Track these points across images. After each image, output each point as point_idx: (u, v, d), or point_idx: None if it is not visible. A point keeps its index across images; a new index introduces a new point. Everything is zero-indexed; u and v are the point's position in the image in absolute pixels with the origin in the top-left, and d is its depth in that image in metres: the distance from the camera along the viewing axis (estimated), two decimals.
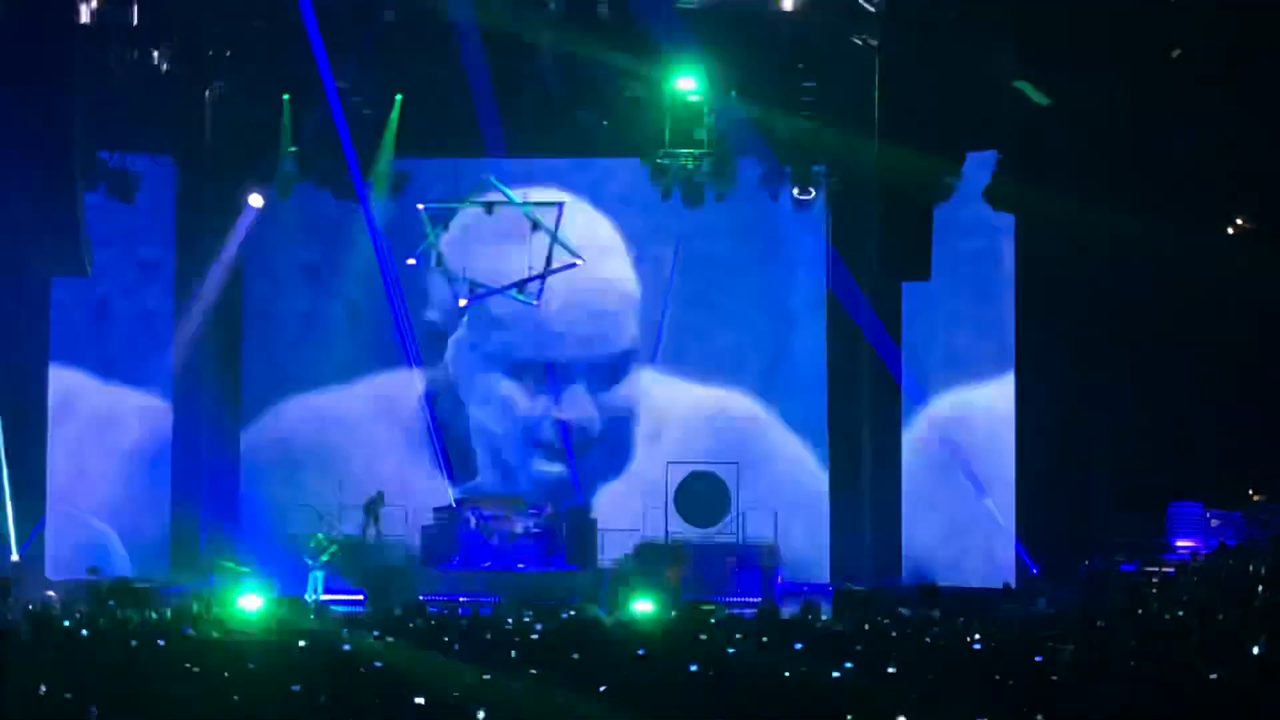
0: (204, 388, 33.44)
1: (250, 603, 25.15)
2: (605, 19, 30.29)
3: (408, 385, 34.77)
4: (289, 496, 33.12)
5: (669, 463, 33.23)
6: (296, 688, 14.65)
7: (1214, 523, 28.31)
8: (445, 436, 34.67)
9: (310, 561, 30.18)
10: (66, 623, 21.15)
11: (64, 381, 32.49)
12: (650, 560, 30.92)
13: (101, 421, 32.79)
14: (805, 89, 31.16)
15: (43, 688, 14.42)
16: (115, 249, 32.14)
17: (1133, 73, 27.71)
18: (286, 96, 31.70)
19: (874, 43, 29.38)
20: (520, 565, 31.65)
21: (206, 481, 33.28)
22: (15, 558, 29.96)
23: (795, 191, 32.64)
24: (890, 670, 16.19)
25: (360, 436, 34.64)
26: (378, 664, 16.71)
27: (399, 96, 32.08)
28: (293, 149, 32.27)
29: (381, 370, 34.79)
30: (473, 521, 32.20)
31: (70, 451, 32.37)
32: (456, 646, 18.57)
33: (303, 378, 34.41)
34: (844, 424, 33.19)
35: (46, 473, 31.74)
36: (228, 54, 31.34)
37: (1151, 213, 27.77)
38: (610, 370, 34.86)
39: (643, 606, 25.61)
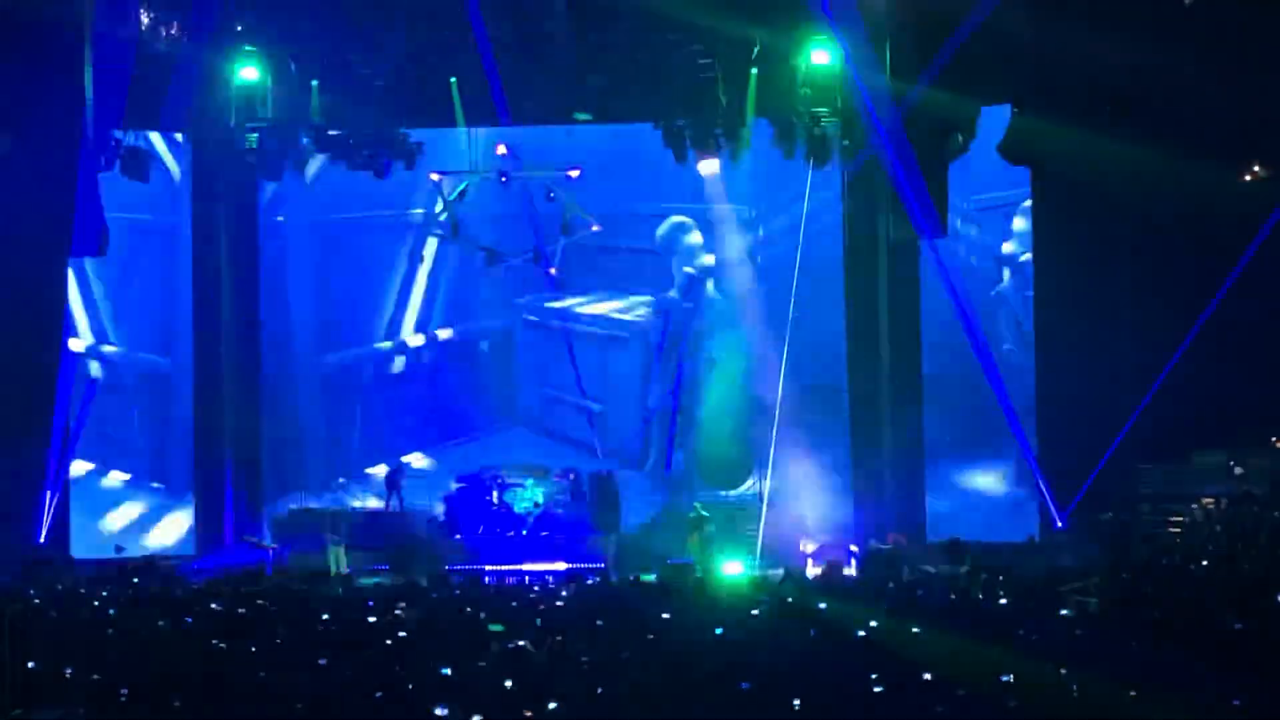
0: (224, 366, 33.43)
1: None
2: None
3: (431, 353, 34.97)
4: (310, 469, 33.19)
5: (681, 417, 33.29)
6: (323, 661, 14.71)
7: (1238, 470, 28.24)
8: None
9: (330, 536, 30.19)
10: (94, 603, 21.25)
11: (83, 362, 32.59)
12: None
13: (120, 401, 32.88)
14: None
15: (68, 670, 14.48)
16: (131, 227, 32.17)
17: (1149, 21, 27.63)
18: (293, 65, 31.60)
19: None
20: (544, 533, 31.66)
21: (229, 459, 33.28)
22: (42, 539, 30.06)
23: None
24: (915, 629, 16.18)
25: (383, 409, 34.73)
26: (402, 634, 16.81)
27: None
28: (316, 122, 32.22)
29: (401, 348, 34.94)
30: (496, 490, 32.21)
31: (90, 431, 32.41)
32: (483, 615, 18.59)
33: (323, 349, 34.50)
34: (864, 385, 33.08)
35: (69, 453, 31.76)
36: (239, 29, 31.22)
37: (1168, 160, 27.71)
38: None
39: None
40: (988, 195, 32.09)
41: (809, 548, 29.62)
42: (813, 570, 28.25)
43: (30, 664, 14.78)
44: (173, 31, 30.81)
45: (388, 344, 35.51)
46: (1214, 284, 27.96)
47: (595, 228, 33.90)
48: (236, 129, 31.59)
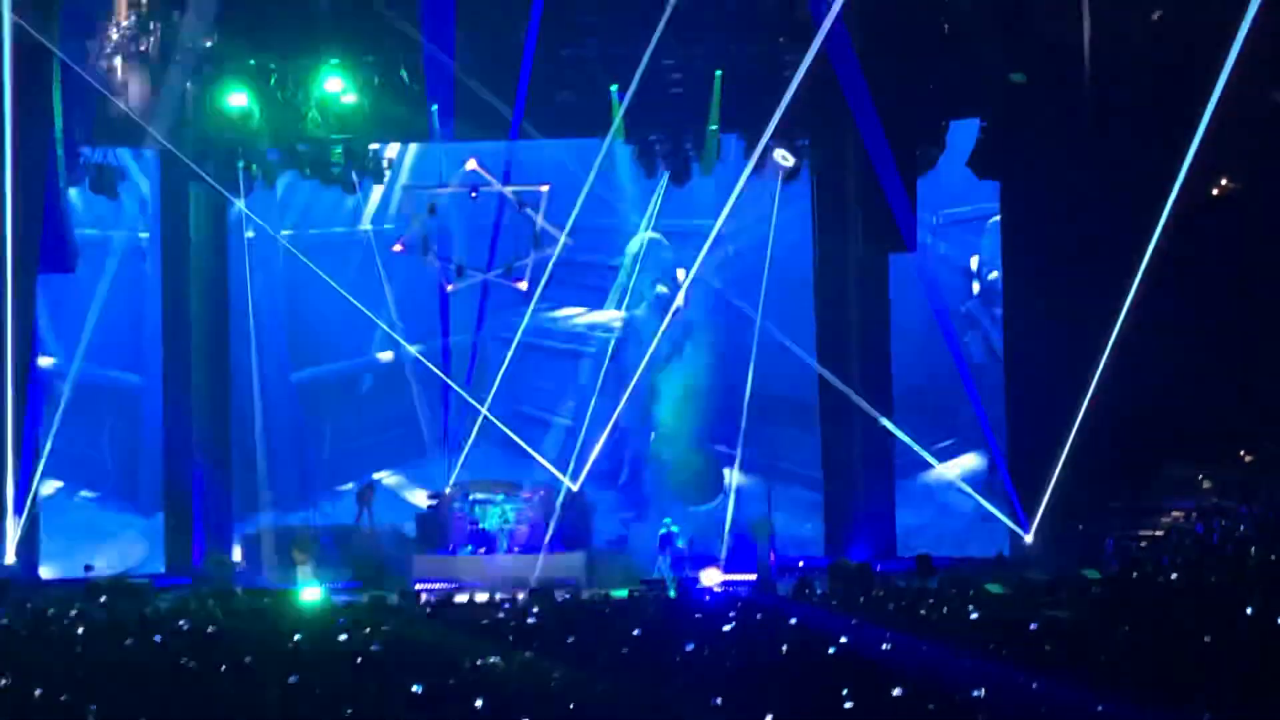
0: (193, 380, 33.32)
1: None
2: None
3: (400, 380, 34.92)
4: (280, 488, 33.07)
5: (653, 434, 33.26)
6: (293, 679, 14.66)
7: (1206, 484, 28.35)
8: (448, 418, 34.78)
9: (300, 554, 30.15)
10: (65, 621, 21.16)
11: (53, 378, 32.46)
12: None
13: (90, 419, 32.75)
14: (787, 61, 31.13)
15: (38, 691, 14.41)
16: (100, 244, 32.08)
17: (1114, 35, 27.76)
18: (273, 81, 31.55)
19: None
20: (515, 549, 31.63)
21: (198, 476, 33.16)
22: (11, 559, 29.92)
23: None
24: (885, 645, 16.20)
25: (353, 425, 34.68)
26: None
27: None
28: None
29: (373, 362, 34.88)
30: (466, 507, 32.18)
31: (59, 450, 32.27)
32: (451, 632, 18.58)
33: (293, 366, 34.42)
34: (834, 399, 33.12)
35: (36, 472, 31.63)
36: (208, 45, 31.17)
37: (1136, 175, 27.84)
38: None
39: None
40: (956, 210, 32.14)
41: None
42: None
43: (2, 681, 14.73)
44: (143, 49, 30.76)
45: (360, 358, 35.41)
46: (1183, 299, 28.07)
47: (566, 242, 33.87)
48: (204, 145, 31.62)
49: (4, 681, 14.76)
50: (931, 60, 28.61)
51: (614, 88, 31.62)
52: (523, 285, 34.00)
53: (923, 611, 20.12)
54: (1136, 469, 28.44)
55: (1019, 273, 30.44)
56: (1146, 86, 27.66)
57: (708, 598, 22.82)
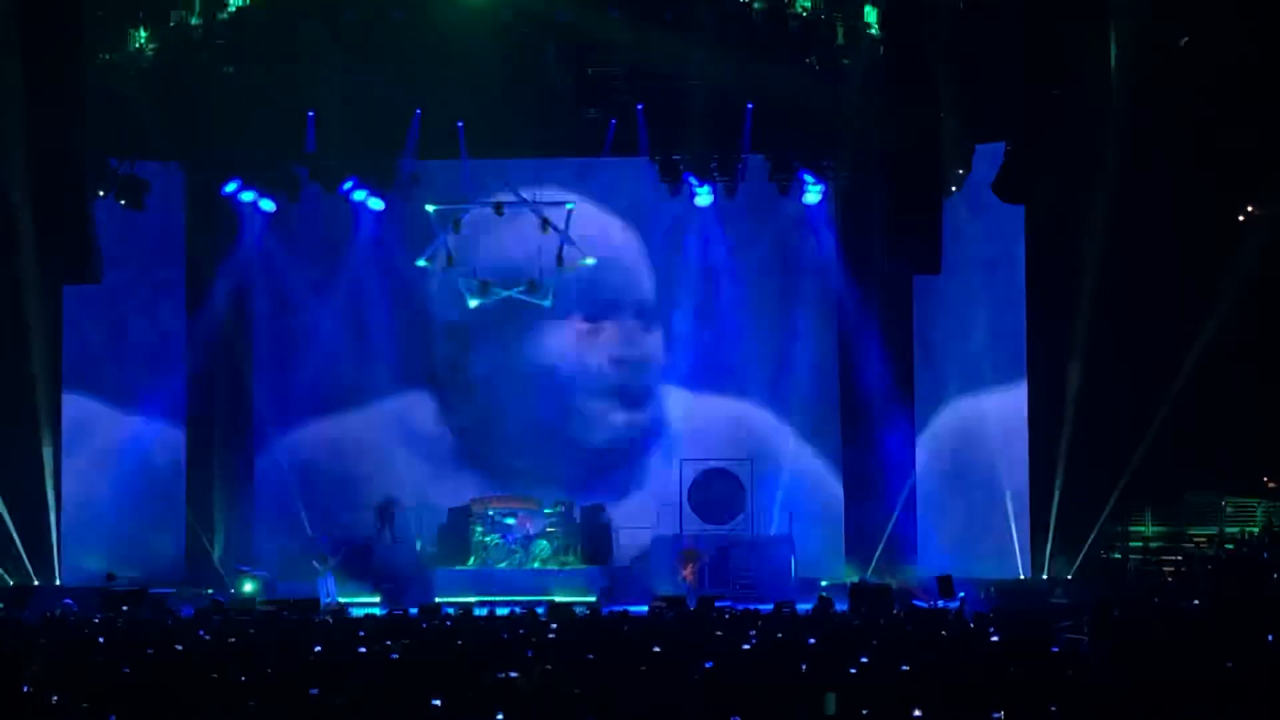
0: (216, 398, 33.41)
1: None
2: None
3: (421, 399, 34.89)
4: (301, 502, 33.09)
5: (681, 460, 33.17)
6: (314, 691, 14.67)
7: (1229, 510, 28.29)
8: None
9: (319, 566, 30.22)
10: (85, 630, 21.22)
11: (76, 400, 32.54)
12: None
13: (113, 436, 32.77)
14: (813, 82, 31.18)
15: (54, 697, 14.43)
16: (126, 254, 32.09)
17: (1141, 61, 27.69)
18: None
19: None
20: (535, 564, 31.66)
21: (220, 490, 33.24)
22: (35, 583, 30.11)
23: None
24: (904, 667, 16.16)
25: (373, 443, 34.63)
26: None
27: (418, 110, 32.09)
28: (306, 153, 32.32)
29: (394, 382, 34.80)
30: (487, 522, 32.21)
31: (82, 466, 32.36)
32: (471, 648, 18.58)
33: (314, 394, 34.34)
34: (856, 419, 33.15)
35: (60, 488, 31.72)
36: (237, 58, 31.23)
37: (1164, 199, 27.80)
38: None
39: None
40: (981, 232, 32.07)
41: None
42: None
43: (24, 688, 14.76)
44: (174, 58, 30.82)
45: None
46: (1207, 324, 28.02)
47: (590, 260, 33.91)
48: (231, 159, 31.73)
49: (24, 689, 14.79)
50: (959, 82, 28.54)
51: (640, 106, 31.68)
52: (547, 303, 34.05)
53: (944, 632, 20.09)
54: (1160, 494, 28.36)
55: (1042, 296, 30.38)
56: (1174, 111, 27.60)
57: (726, 615, 22.76)
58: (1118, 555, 27.60)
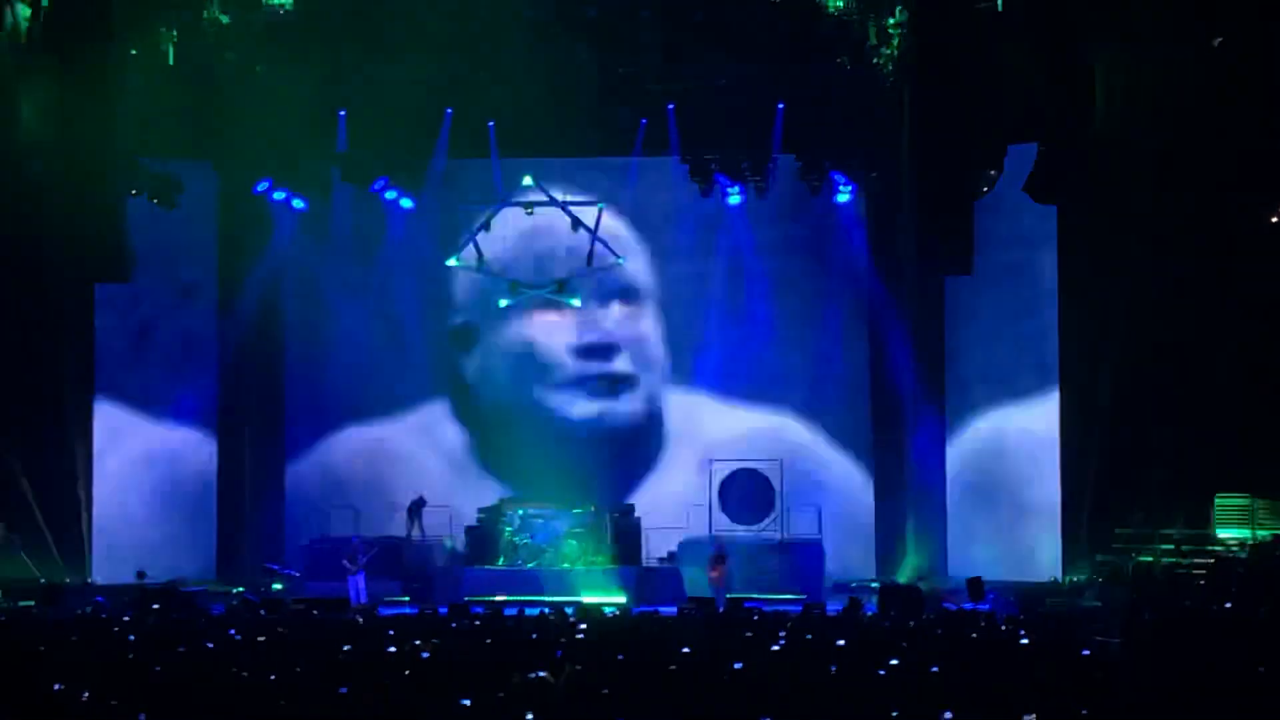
0: (247, 398, 33.44)
1: None
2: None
3: (449, 400, 34.96)
4: (331, 502, 33.09)
5: (711, 460, 33.13)
6: (344, 690, 14.67)
7: (1261, 513, 28.16)
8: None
9: (348, 565, 30.21)
10: (115, 628, 21.26)
11: (107, 400, 32.66)
12: None
13: (144, 436, 32.88)
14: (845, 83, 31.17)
15: (85, 694, 14.46)
16: (157, 254, 32.18)
17: (1175, 62, 27.59)
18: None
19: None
20: (565, 565, 31.65)
21: (251, 489, 33.27)
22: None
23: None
24: (934, 669, 16.11)
25: (403, 443, 34.68)
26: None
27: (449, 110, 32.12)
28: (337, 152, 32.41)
29: (423, 382, 34.86)
30: (516, 522, 32.20)
31: (114, 466, 32.47)
32: (501, 647, 18.57)
33: (344, 394, 34.39)
34: (888, 422, 33.11)
35: (91, 487, 31.81)
36: (268, 57, 31.30)
37: (1197, 200, 27.69)
38: None
39: None
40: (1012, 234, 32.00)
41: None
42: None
43: (55, 686, 14.78)
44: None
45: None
46: (1242, 327, 27.91)
47: (620, 260, 33.92)
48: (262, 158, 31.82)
49: (56, 686, 14.82)
50: (990, 82, 28.47)
51: (671, 107, 31.67)
52: (576, 302, 34.07)
53: (974, 635, 20.03)
54: (1190, 497, 28.24)
55: (1076, 297, 30.28)
56: (1207, 111, 27.48)
57: (756, 616, 22.72)
58: (1148, 558, 27.47)
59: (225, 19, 29.97)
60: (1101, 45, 28.03)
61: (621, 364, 35.04)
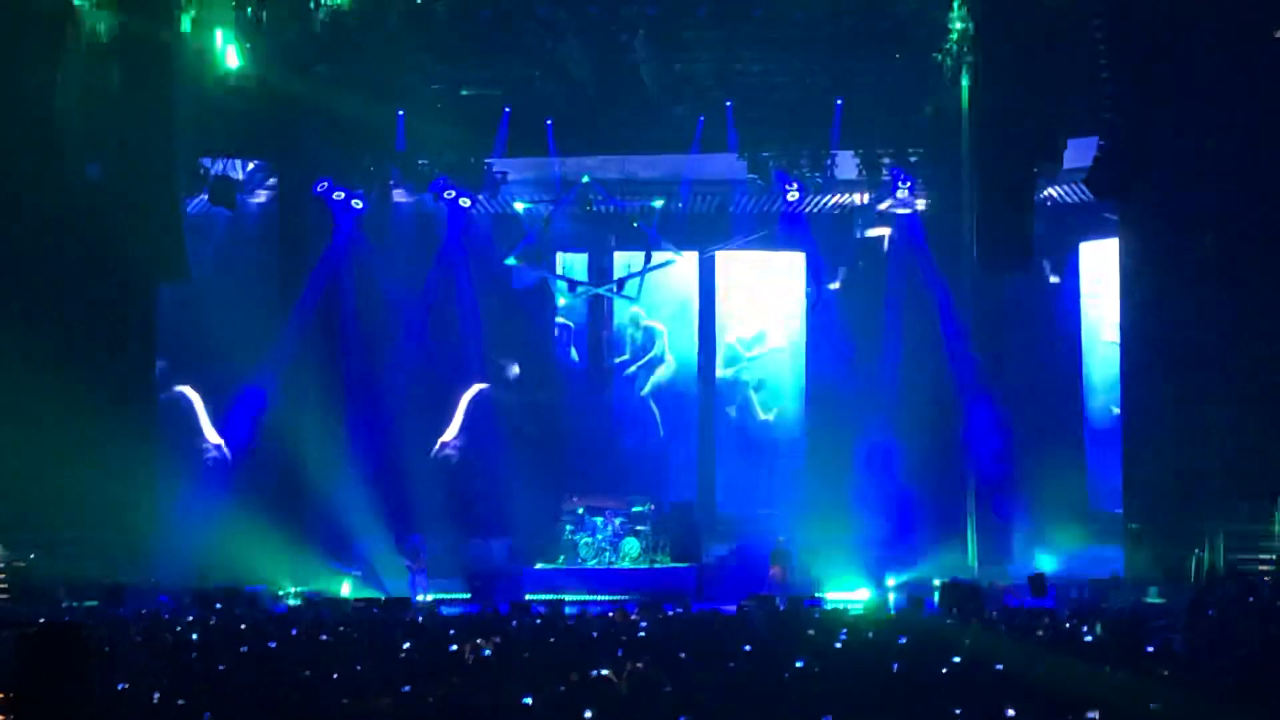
0: (308, 397, 33.40)
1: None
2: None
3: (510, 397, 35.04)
4: (394, 501, 33.12)
5: (770, 458, 33.11)
6: (406, 689, 14.73)
7: None
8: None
9: (410, 564, 30.29)
10: (178, 628, 21.37)
11: (170, 400, 32.85)
12: None
13: (207, 432, 33.04)
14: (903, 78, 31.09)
15: (155, 695, 14.55)
16: (216, 252, 32.35)
17: (1236, 55, 27.42)
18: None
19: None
20: (625, 562, 31.66)
21: (312, 488, 33.28)
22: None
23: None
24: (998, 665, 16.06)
25: (462, 441, 34.73)
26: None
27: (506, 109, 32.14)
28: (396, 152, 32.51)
29: (484, 380, 34.91)
30: (576, 520, 32.23)
31: (176, 465, 32.62)
32: (562, 646, 18.60)
33: (404, 392, 34.41)
34: (950, 420, 32.96)
35: (155, 486, 31.93)
36: (329, 58, 31.38)
37: (1261, 196, 27.53)
38: None
39: None
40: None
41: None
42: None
43: (120, 685, 14.88)
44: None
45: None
46: None
47: (676, 257, 33.92)
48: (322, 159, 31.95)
49: (122, 685, 14.92)
50: (1051, 77, 28.33)
51: (729, 103, 31.62)
52: (634, 300, 34.11)
53: (1040, 632, 19.95)
54: (1254, 493, 28.03)
55: (1137, 293, 30.05)
56: (1271, 104, 27.30)
57: (817, 613, 22.70)
58: (1212, 555, 27.27)
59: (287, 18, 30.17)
60: (1169, 36, 27.88)
61: (680, 362, 35.10)
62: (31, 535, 29.18)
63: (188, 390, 33.34)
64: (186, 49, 29.55)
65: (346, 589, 30.03)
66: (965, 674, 15.66)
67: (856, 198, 33.72)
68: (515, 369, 35.27)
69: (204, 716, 13.86)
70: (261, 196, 33.54)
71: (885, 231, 33.96)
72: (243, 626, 21.55)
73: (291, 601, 28.50)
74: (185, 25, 29.27)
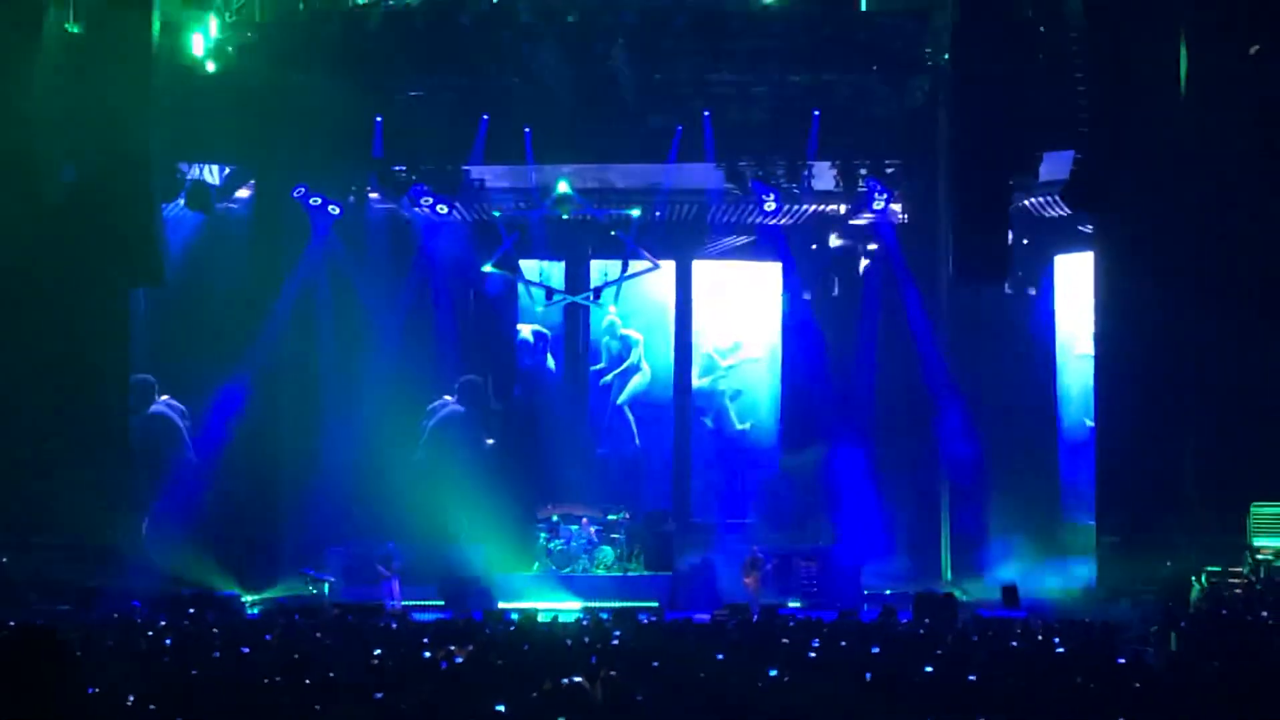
0: (282, 402, 33.34)
1: None
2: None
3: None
4: (367, 507, 33.06)
5: (746, 467, 33.14)
6: (379, 696, 14.71)
7: None
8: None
9: (383, 570, 30.25)
10: (150, 633, 21.31)
11: (142, 411, 32.78)
12: None
13: (177, 438, 32.95)
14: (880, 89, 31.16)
15: (129, 698, 14.52)
16: (191, 256, 32.30)
17: (1212, 68, 27.53)
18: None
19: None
20: (599, 570, 31.65)
21: (285, 494, 33.21)
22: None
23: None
24: (971, 676, 16.09)
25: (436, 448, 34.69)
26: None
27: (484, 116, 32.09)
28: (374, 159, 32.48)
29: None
30: (550, 528, 32.23)
31: (149, 472, 32.54)
32: (535, 653, 18.58)
33: (379, 398, 34.34)
34: (925, 432, 33.01)
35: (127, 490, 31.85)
36: (305, 64, 31.35)
37: (1237, 209, 27.61)
38: None
39: None
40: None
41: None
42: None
43: (91, 690, 14.82)
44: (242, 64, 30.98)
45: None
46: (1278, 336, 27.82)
47: (653, 266, 33.93)
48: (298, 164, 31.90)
49: (93, 690, 14.87)
50: (1026, 90, 28.43)
51: (706, 113, 31.63)
52: (611, 309, 34.10)
53: (1013, 643, 19.98)
54: (1226, 506, 28.12)
55: (1113, 305, 30.15)
56: (1246, 119, 27.40)
57: (791, 622, 22.71)
58: (1184, 567, 27.36)
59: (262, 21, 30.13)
60: (1144, 50, 27.97)
61: (656, 370, 35.10)
62: (2, 537, 29.08)
63: (166, 407, 33.24)
64: (164, 52, 29.55)
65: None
66: (938, 684, 15.69)
67: (833, 208, 33.79)
68: (486, 378, 35.29)
69: None
70: (238, 201, 33.45)
71: (862, 243, 34.05)
72: (215, 631, 21.50)
73: (250, 612, 28.39)
74: (161, 29, 29.24)
